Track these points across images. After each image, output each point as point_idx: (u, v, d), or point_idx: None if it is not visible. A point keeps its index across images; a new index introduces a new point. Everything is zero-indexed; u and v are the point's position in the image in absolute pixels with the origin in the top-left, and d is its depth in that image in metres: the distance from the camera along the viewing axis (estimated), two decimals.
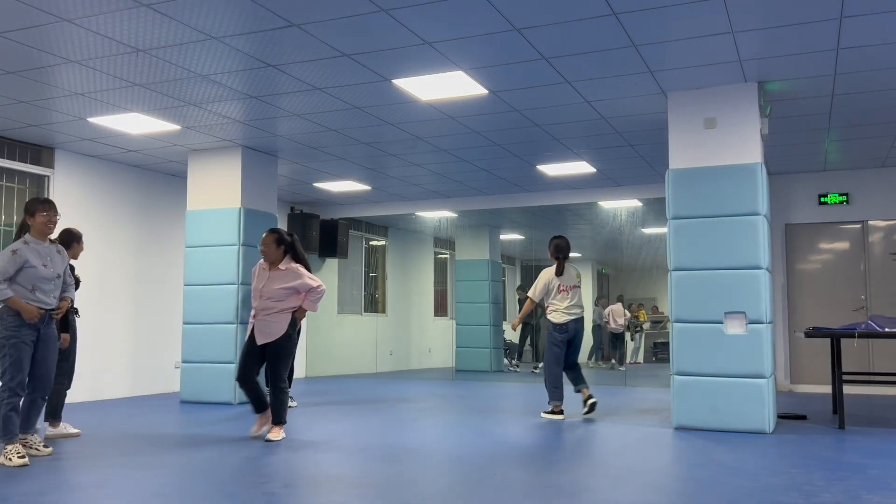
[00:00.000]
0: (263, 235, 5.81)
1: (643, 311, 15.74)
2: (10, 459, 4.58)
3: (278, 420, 5.71)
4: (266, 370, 5.79)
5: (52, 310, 4.98)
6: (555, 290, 6.98)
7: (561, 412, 6.95)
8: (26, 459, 4.63)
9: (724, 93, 6.33)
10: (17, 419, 4.75)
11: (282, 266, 5.72)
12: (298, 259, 5.81)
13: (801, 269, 9.77)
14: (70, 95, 6.54)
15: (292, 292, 5.68)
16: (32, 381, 4.91)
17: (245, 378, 5.68)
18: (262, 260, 5.83)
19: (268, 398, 5.82)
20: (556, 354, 6.95)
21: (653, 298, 15.77)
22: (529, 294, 7.13)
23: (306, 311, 5.80)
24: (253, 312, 5.77)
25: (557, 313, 6.95)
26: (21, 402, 4.83)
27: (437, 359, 15.41)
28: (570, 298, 6.99)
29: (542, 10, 4.79)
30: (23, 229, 5.00)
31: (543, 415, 7.03)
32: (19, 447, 4.67)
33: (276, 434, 5.64)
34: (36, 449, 4.96)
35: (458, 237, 14.62)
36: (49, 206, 4.99)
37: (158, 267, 9.51)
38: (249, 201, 8.52)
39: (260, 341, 5.64)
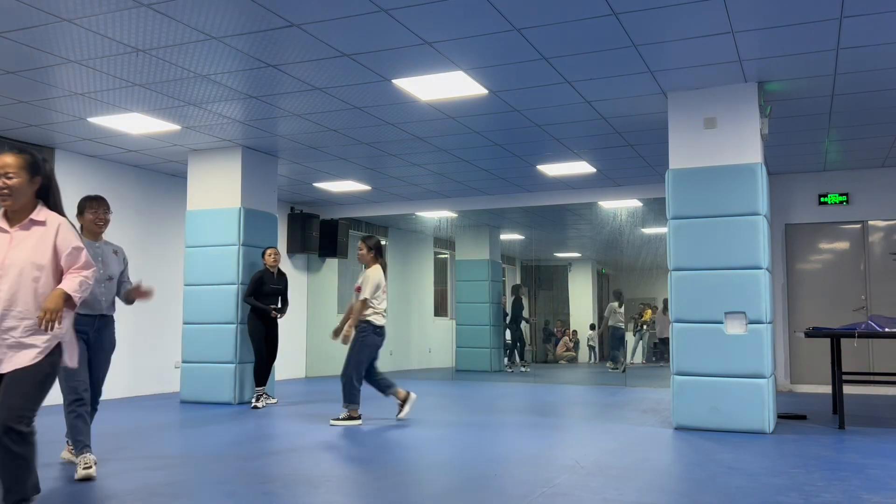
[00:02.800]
0: (2, 157, 3.17)
1: (649, 311, 15.72)
2: None
3: (21, 496, 2.96)
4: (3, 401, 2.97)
5: (104, 315, 4.53)
6: (381, 291, 6.67)
7: (359, 416, 6.58)
8: None
9: (724, 93, 6.33)
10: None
11: (37, 217, 3.20)
12: (55, 209, 3.32)
13: (801, 269, 9.77)
14: (70, 95, 6.54)
15: (52, 267, 3.16)
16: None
17: None
18: None
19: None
20: (367, 357, 6.63)
21: (652, 298, 15.76)
22: (367, 295, 6.57)
23: (73, 310, 3.16)
24: None
25: (379, 315, 6.65)
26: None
27: (437, 359, 15.40)
28: (385, 301, 6.76)
29: (542, 10, 4.79)
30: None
31: (336, 422, 6.50)
32: None
33: None
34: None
35: (458, 237, 14.61)
36: (99, 202, 4.52)
37: (158, 267, 9.50)
38: (249, 201, 8.52)
39: (3, 368, 3.01)
